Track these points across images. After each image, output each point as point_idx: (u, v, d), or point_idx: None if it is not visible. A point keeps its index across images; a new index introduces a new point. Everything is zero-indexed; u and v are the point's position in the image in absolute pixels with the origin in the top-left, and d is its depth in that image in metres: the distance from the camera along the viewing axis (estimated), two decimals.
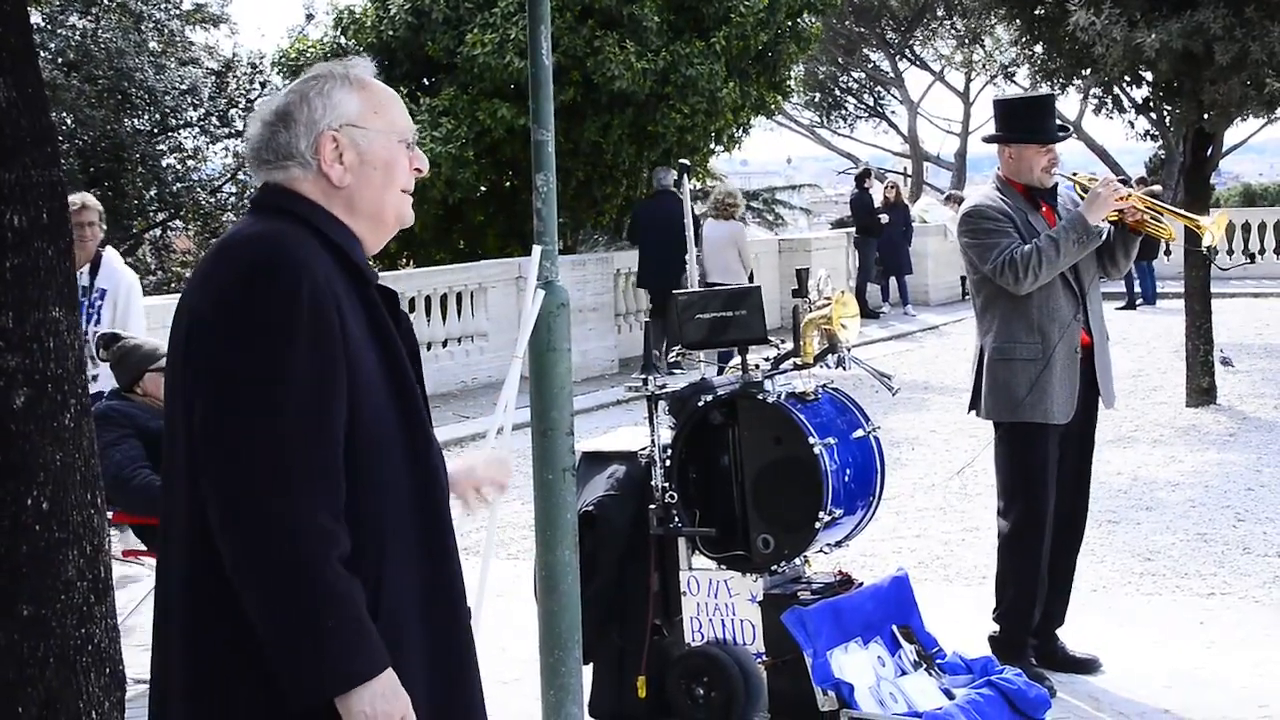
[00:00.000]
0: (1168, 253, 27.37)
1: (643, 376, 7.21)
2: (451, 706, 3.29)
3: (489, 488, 3.83)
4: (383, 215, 3.37)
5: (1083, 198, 7.53)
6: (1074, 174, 7.90)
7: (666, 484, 7.07)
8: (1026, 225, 7.44)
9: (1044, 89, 16.16)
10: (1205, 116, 15.20)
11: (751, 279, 20.06)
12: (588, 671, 6.98)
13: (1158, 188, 8.19)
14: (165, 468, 3.28)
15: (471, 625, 3.38)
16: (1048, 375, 7.36)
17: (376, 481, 3.14)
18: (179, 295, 3.36)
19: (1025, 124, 7.60)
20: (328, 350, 3.08)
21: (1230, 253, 29.92)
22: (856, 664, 6.84)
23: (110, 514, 7.53)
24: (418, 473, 3.25)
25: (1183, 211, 8.33)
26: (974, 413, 7.67)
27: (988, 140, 7.80)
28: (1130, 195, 7.47)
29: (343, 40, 23.59)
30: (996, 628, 7.67)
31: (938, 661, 7.13)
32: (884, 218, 27.08)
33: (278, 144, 3.30)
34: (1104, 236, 7.44)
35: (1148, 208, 7.54)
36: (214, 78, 29.29)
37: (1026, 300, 7.39)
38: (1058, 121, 7.79)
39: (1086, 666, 7.71)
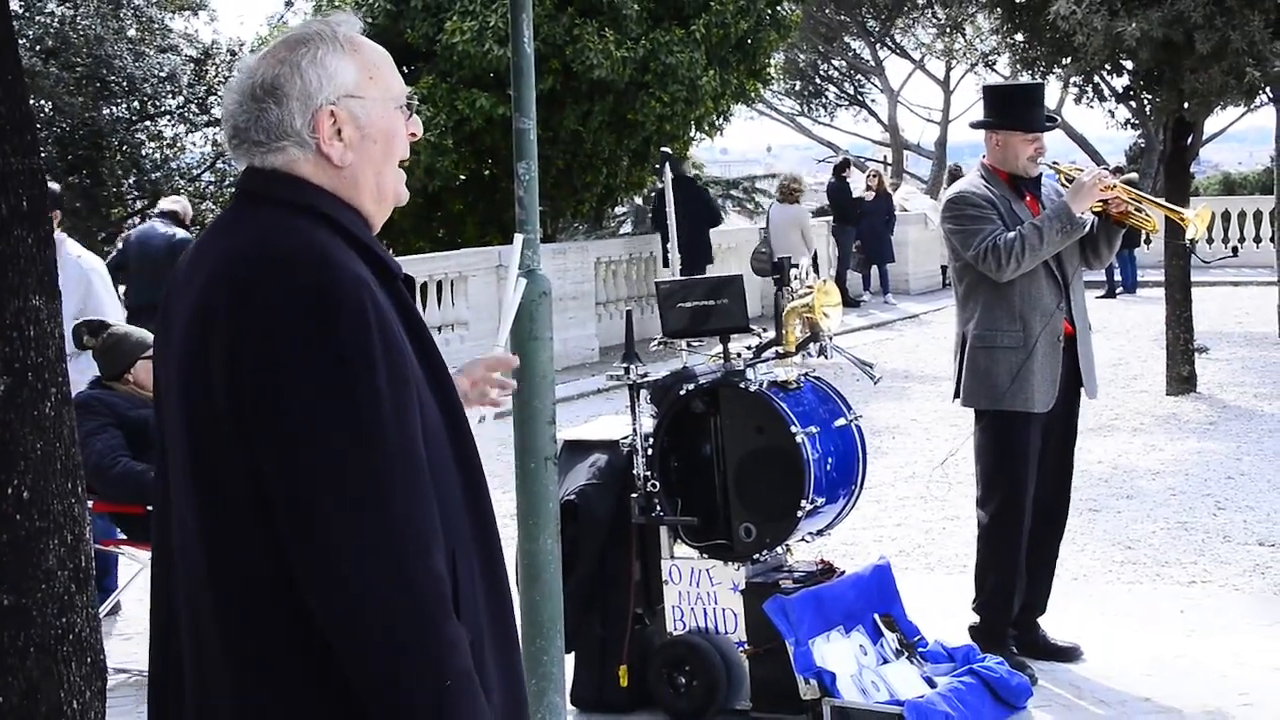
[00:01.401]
0: (1148, 241, 27.42)
1: (624, 365, 7.19)
2: (516, 696, 3.20)
3: (494, 391, 3.66)
4: (384, 192, 3.09)
5: (1066, 188, 7.53)
6: (1054, 163, 7.91)
7: (648, 473, 7.07)
8: (1010, 213, 7.44)
9: (1025, 77, 16.19)
10: (1185, 105, 15.23)
11: (815, 258, 21.24)
12: (570, 660, 6.98)
13: (1134, 175, 8.20)
14: (161, 472, 3.06)
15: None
16: (1029, 364, 7.36)
17: (440, 496, 2.91)
18: (175, 293, 3.11)
19: (1013, 111, 7.60)
20: (398, 369, 2.84)
21: (1210, 241, 29.98)
22: (838, 652, 6.84)
23: (91, 503, 7.51)
24: (466, 473, 3.06)
25: (1166, 203, 8.33)
26: (957, 400, 7.67)
27: (975, 126, 7.80)
28: (1115, 185, 7.48)
29: None
30: (977, 617, 7.68)
31: (919, 650, 7.14)
32: (870, 195, 27.11)
33: (269, 122, 2.98)
34: (1088, 227, 7.44)
35: (1132, 198, 7.54)
36: (193, 65, 29.20)
37: (1009, 288, 7.39)
38: (1046, 111, 7.80)
39: (1068, 655, 7.72)
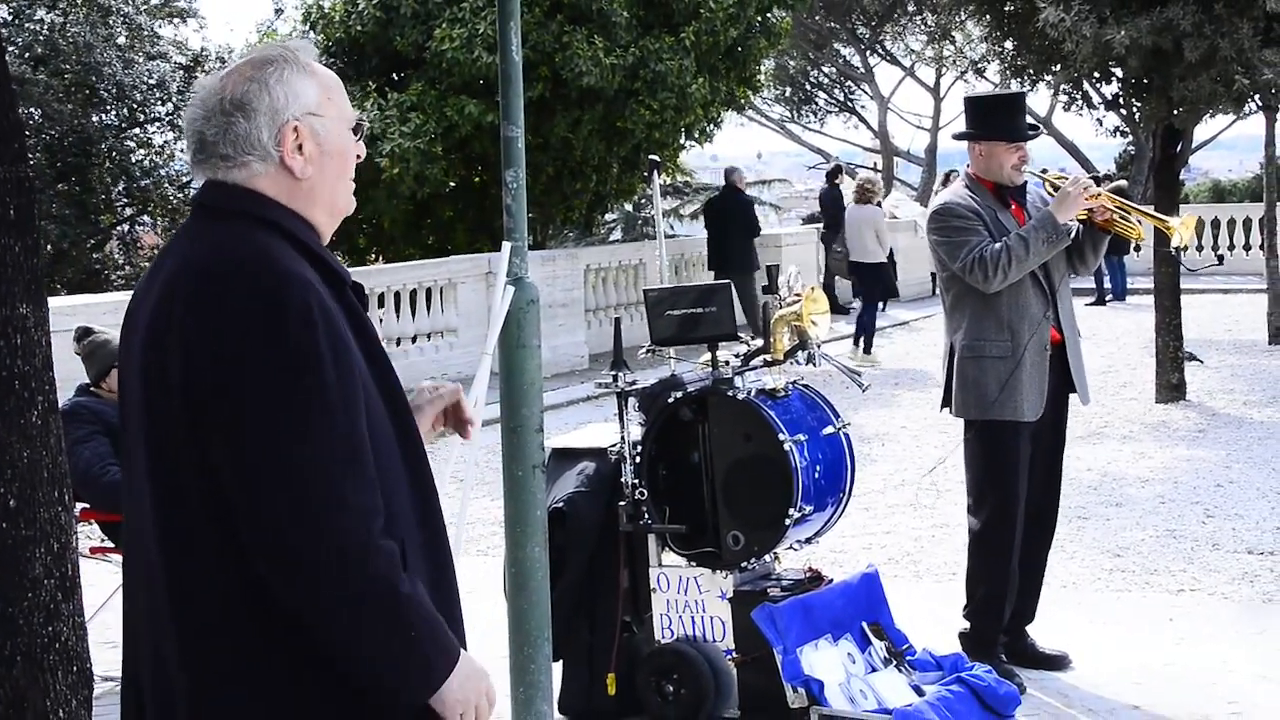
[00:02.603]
0: (1137, 249, 27.45)
1: (613, 373, 7.18)
2: None
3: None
4: (336, 205, 3.27)
5: (1052, 196, 7.54)
6: (1043, 171, 7.92)
7: (636, 480, 7.06)
8: (996, 223, 7.44)
9: (1014, 85, 16.20)
10: (1175, 113, 15.25)
11: (891, 257, 22.41)
12: (557, 669, 6.97)
13: (1123, 183, 8.20)
14: (127, 476, 3.17)
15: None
16: (1018, 373, 7.36)
17: (387, 488, 3.07)
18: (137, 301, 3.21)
19: (995, 121, 7.60)
20: (345, 367, 3.01)
21: (1200, 249, 30.03)
22: (826, 661, 6.84)
23: (78, 510, 7.49)
24: (414, 474, 3.20)
25: (1152, 211, 8.34)
26: (946, 410, 7.67)
27: (958, 137, 7.81)
28: (1100, 194, 7.48)
29: (311, 35, 23.51)
30: (967, 624, 7.67)
31: (908, 658, 7.14)
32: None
33: (236, 135, 3.15)
34: (1073, 235, 7.45)
35: (1117, 207, 7.55)
36: (182, 72, 29.15)
37: (996, 298, 7.39)
38: (1028, 120, 7.81)
39: (1056, 663, 7.72)
